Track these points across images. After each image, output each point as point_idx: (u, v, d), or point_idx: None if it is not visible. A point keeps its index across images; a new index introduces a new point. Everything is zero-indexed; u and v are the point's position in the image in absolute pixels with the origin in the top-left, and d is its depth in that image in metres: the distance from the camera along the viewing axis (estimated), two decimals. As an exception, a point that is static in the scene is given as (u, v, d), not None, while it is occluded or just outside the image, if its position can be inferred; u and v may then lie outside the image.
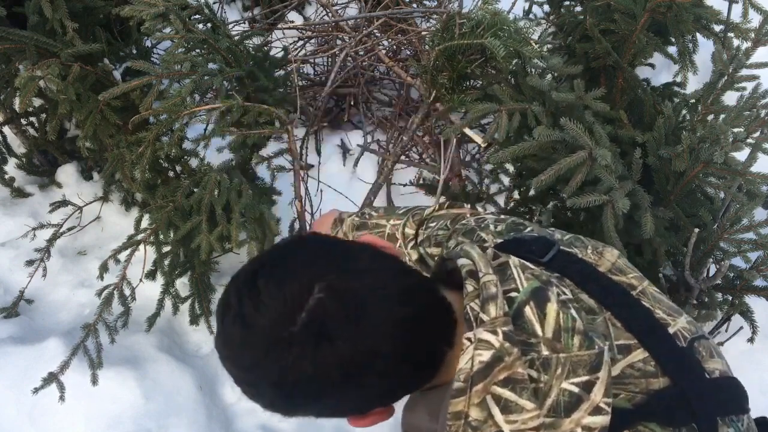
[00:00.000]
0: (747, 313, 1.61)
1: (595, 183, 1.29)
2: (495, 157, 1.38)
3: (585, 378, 0.61)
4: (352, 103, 2.80)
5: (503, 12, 1.38)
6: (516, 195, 1.86)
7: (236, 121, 1.57)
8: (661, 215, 1.40)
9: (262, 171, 1.85)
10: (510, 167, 1.86)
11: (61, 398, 1.61)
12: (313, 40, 2.96)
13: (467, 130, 1.72)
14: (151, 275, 1.88)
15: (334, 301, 0.61)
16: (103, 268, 1.79)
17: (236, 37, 1.76)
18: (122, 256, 1.73)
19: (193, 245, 1.67)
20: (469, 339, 0.63)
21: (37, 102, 2.12)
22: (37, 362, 1.78)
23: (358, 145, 2.70)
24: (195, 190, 1.68)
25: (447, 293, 0.72)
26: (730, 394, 0.67)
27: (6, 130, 2.25)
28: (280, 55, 1.94)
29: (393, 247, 0.76)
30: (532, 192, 1.80)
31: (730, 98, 1.50)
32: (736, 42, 1.51)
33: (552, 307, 0.64)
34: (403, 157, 2.48)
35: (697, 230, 1.43)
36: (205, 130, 1.68)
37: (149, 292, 1.91)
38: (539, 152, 1.35)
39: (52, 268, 2.08)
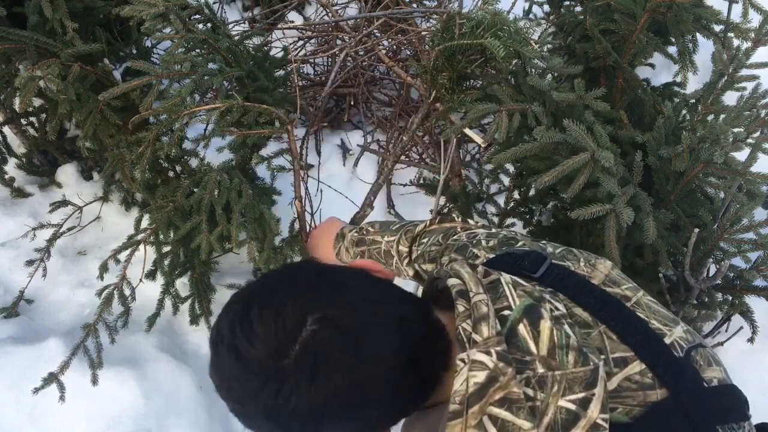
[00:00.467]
0: (747, 313, 1.61)
1: (596, 185, 1.29)
2: (496, 159, 1.38)
3: (581, 395, 0.60)
4: (352, 103, 2.81)
5: (503, 12, 1.38)
6: (516, 195, 1.86)
7: (236, 121, 1.57)
8: (663, 217, 1.40)
9: (262, 171, 1.85)
10: (510, 167, 1.86)
11: (61, 398, 1.61)
12: (313, 40, 2.96)
13: (467, 131, 1.72)
14: (151, 275, 1.88)
15: (329, 333, 0.61)
16: (103, 268, 1.79)
17: (236, 37, 1.76)
18: (122, 256, 1.73)
19: (193, 245, 1.67)
20: (462, 360, 0.62)
21: (37, 102, 2.12)
22: (37, 362, 1.78)
23: (358, 145, 2.70)
24: (195, 190, 1.68)
25: (440, 314, 0.72)
26: (730, 402, 0.66)
27: (6, 130, 2.25)
28: (280, 55, 1.94)
29: (387, 271, 0.76)
30: (532, 192, 1.80)
31: (730, 98, 1.50)
32: (736, 42, 1.51)
33: (546, 325, 0.63)
34: (403, 157, 2.48)
35: (697, 230, 1.43)
36: (205, 130, 1.68)
37: (149, 292, 1.91)
38: (540, 153, 1.35)
39: (52, 268, 2.08)
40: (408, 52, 2.84)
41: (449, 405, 0.61)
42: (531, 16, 2.31)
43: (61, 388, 1.60)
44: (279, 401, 0.61)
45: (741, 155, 1.37)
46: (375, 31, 2.62)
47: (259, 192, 1.75)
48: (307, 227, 1.82)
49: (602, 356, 0.65)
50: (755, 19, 1.49)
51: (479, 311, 0.64)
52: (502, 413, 0.60)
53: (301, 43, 2.92)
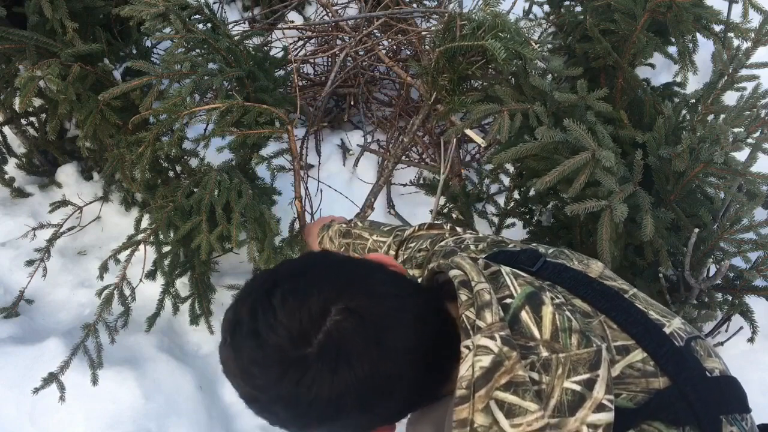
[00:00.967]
0: (747, 313, 1.61)
1: (597, 184, 1.29)
2: (497, 159, 1.38)
3: (586, 376, 0.61)
4: (352, 103, 2.80)
5: (504, 13, 1.38)
6: (516, 195, 1.86)
7: (236, 121, 1.57)
8: (663, 216, 1.40)
9: (262, 171, 1.85)
10: (510, 167, 1.86)
11: (61, 398, 1.61)
12: (313, 40, 2.96)
13: (468, 131, 1.72)
14: (151, 275, 1.88)
15: (353, 324, 0.61)
16: (103, 268, 1.79)
17: (236, 37, 1.76)
18: (122, 256, 1.73)
19: (193, 245, 1.67)
20: (467, 347, 0.63)
21: (37, 102, 2.12)
22: (37, 362, 1.78)
23: (358, 145, 2.70)
24: (195, 190, 1.68)
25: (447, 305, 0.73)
26: (732, 393, 0.67)
27: (6, 130, 2.25)
28: (280, 55, 1.94)
29: (401, 267, 0.77)
30: (532, 192, 1.80)
31: (730, 98, 1.50)
32: (736, 42, 1.51)
33: (547, 310, 0.64)
34: (403, 158, 2.48)
35: (697, 230, 1.43)
36: (205, 130, 1.68)
37: (149, 292, 1.91)
38: (541, 152, 1.35)
39: (52, 268, 2.08)
40: (408, 52, 2.85)
41: (456, 391, 0.62)
42: (531, 16, 2.31)
43: (61, 388, 1.60)
44: (300, 390, 0.61)
45: (741, 155, 1.37)
46: (375, 31, 2.62)
47: (259, 192, 1.75)
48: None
49: (604, 343, 0.65)
50: (755, 19, 1.49)
51: (482, 299, 0.65)
52: (508, 397, 0.60)
53: (301, 43, 2.92)
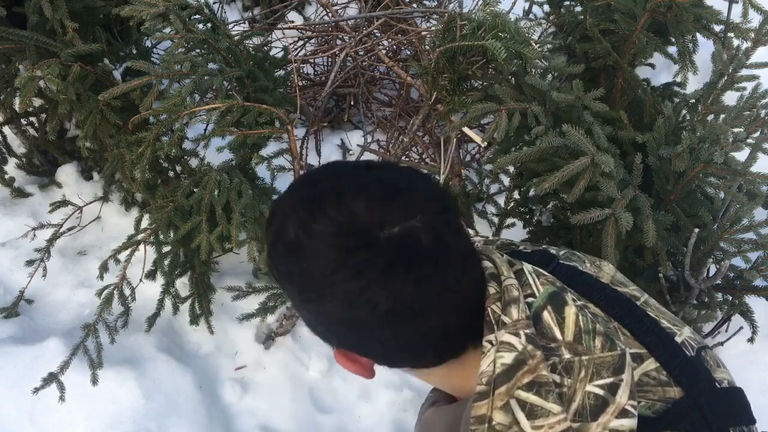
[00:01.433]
0: (747, 313, 1.61)
1: (597, 188, 1.29)
2: (497, 164, 1.38)
3: (609, 380, 0.59)
4: (352, 103, 2.80)
5: (504, 13, 1.38)
6: (516, 195, 1.86)
7: (236, 121, 1.57)
8: (663, 219, 1.40)
9: (262, 171, 1.85)
10: (510, 167, 1.86)
11: (61, 398, 1.61)
12: (313, 40, 2.96)
13: (467, 130, 1.72)
14: (151, 275, 1.88)
15: (430, 240, 0.58)
16: (103, 268, 1.79)
17: (236, 37, 1.76)
18: (122, 256, 1.73)
19: (193, 245, 1.67)
20: (490, 342, 0.62)
21: (37, 102, 2.12)
22: (37, 362, 1.78)
23: (358, 145, 2.70)
24: (195, 190, 1.68)
25: None
26: (739, 405, 0.66)
27: (6, 130, 2.25)
28: (280, 55, 1.94)
29: None
30: (532, 192, 1.80)
31: (730, 98, 1.50)
32: (736, 42, 1.51)
33: (570, 311, 0.63)
34: (403, 157, 2.48)
35: (697, 230, 1.43)
36: (205, 130, 1.68)
37: (149, 292, 1.91)
38: (540, 156, 1.35)
39: (52, 268, 2.08)
40: (408, 52, 2.85)
41: (476, 387, 0.61)
42: (531, 16, 2.31)
43: (61, 388, 1.60)
44: (352, 287, 0.57)
45: (741, 155, 1.37)
46: (375, 31, 2.62)
47: (259, 192, 1.75)
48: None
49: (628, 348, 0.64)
50: (755, 19, 1.49)
51: (510, 294, 0.64)
52: (530, 397, 0.59)
53: (301, 43, 2.92)
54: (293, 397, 1.96)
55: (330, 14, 2.89)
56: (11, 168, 2.32)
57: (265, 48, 2.65)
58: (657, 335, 0.67)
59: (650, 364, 0.64)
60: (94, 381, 1.66)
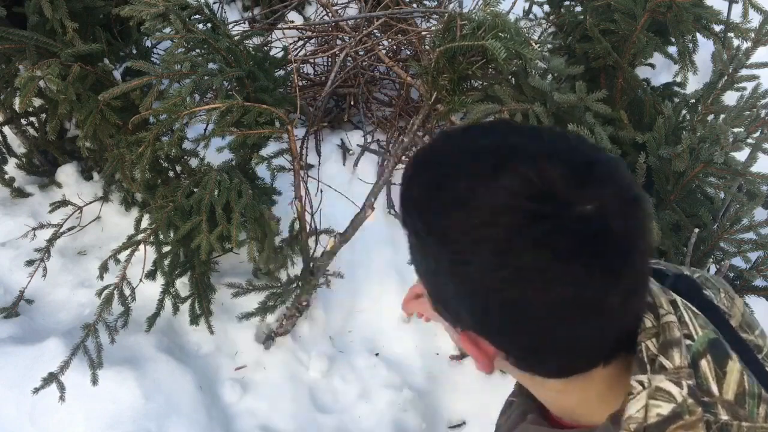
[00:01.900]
0: (747, 313, 1.61)
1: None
2: None
3: None
4: (352, 103, 2.81)
5: (504, 13, 1.38)
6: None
7: (236, 121, 1.57)
8: (667, 218, 1.41)
9: (262, 171, 1.85)
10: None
11: (61, 398, 1.61)
12: (313, 40, 2.96)
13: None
14: (151, 275, 1.88)
15: (622, 228, 0.49)
16: (103, 268, 1.79)
17: (236, 37, 1.76)
18: (122, 256, 1.73)
19: (193, 245, 1.67)
20: (641, 383, 0.55)
21: (37, 102, 2.12)
22: (37, 362, 1.78)
23: (358, 145, 2.70)
24: (195, 190, 1.68)
25: None
26: None
27: (6, 130, 2.25)
28: (280, 55, 1.95)
29: None
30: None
31: (730, 98, 1.50)
32: (736, 42, 1.51)
33: (735, 367, 0.56)
34: (403, 158, 2.48)
35: (697, 230, 1.43)
36: (205, 130, 1.68)
37: (149, 292, 1.91)
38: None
39: (52, 268, 2.08)
40: (408, 52, 2.85)
41: (620, 431, 0.54)
42: (531, 16, 2.31)
43: (61, 388, 1.60)
44: (526, 260, 0.48)
45: (741, 155, 1.37)
46: (375, 31, 2.62)
47: (259, 192, 1.76)
48: (307, 227, 1.82)
49: None
50: (755, 19, 1.49)
51: (671, 334, 0.56)
52: None
53: (301, 43, 2.92)
54: (293, 397, 1.96)
55: (330, 14, 2.89)
56: (11, 168, 2.32)
57: (265, 48, 2.66)
58: None
59: None
60: (94, 381, 1.66)
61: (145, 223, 1.83)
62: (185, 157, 1.94)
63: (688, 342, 0.56)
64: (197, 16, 1.59)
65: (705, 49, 1.66)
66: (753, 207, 1.43)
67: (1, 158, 2.24)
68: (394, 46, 2.82)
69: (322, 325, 2.17)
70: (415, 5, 2.75)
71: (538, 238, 0.48)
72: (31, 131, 2.30)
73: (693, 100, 1.61)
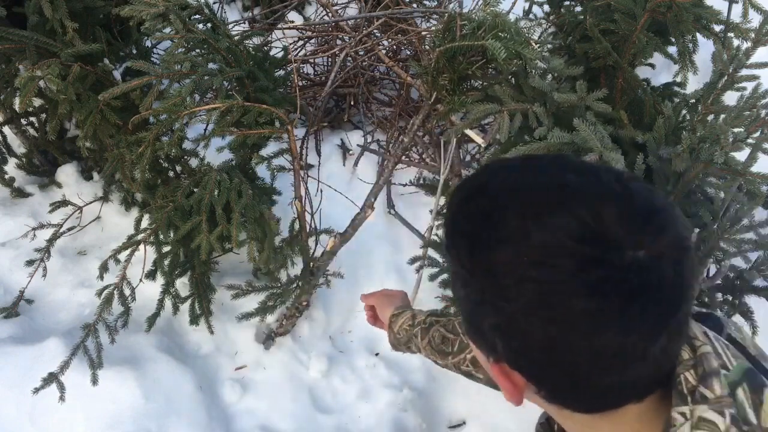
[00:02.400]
0: (747, 313, 1.61)
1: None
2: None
3: None
4: (352, 103, 2.81)
5: (504, 13, 1.38)
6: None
7: (236, 121, 1.57)
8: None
9: (262, 171, 1.85)
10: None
11: (61, 398, 1.61)
12: (313, 40, 2.96)
13: (468, 131, 1.72)
14: (151, 275, 1.88)
15: (671, 276, 0.49)
16: (103, 268, 1.79)
17: (236, 37, 1.76)
18: (122, 256, 1.73)
19: (193, 245, 1.67)
20: (683, 415, 0.55)
21: (37, 102, 2.12)
22: (37, 362, 1.78)
23: (358, 145, 2.70)
24: (195, 190, 1.68)
25: None
26: None
27: (6, 130, 2.25)
28: (280, 55, 1.94)
29: None
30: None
31: (730, 98, 1.50)
32: (736, 42, 1.51)
33: None
34: (403, 158, 2.48)
35: (697, 230, 1.43)
36: (205, 130, 1.68)
37: (149, 292, 1.91)
38: (547, 152, 1.35)
39: (52, 268, 2.08)
40: (408, 52, 2.85)
41: None
42: (531, 16, 2.31)
43: (61, 388, 1.60)
44: (578, 306, 0.47)
45: (741, 155, 1.37)
46: (375, 31, 2.62)
47: (259, 192, 1.76)
48: (307, 227, 1.82)
49: None
50: (755, 19, 1.49)
51: (709, 364, 0.57)
52: None
53: (301, 43, 2.92)
54: (293, 397, 1.96)
55: (330, 14, 2.89)
56: (11, 168, 2.32)
57: (265, 48, 2.66)
58: None
59: None
60: (94, 381, 1.66)
61: (145, 223, 1.83)
62: (185, 157, 1.95)
63: (724, 372, 0.57)
64: (197, 16, 1.59)
65: (705, 49, 1.66)
66: (753, 207, 1.43)
67: (1, 158, 2.24)
68: (394, 46, 2.82)
69: (322, 325, 2.17)
70: (415, 5, 2.75)
71: (590, 284, 0.47)
72: (31, 131, 2.30)
73: (693, 100, 1.61)
